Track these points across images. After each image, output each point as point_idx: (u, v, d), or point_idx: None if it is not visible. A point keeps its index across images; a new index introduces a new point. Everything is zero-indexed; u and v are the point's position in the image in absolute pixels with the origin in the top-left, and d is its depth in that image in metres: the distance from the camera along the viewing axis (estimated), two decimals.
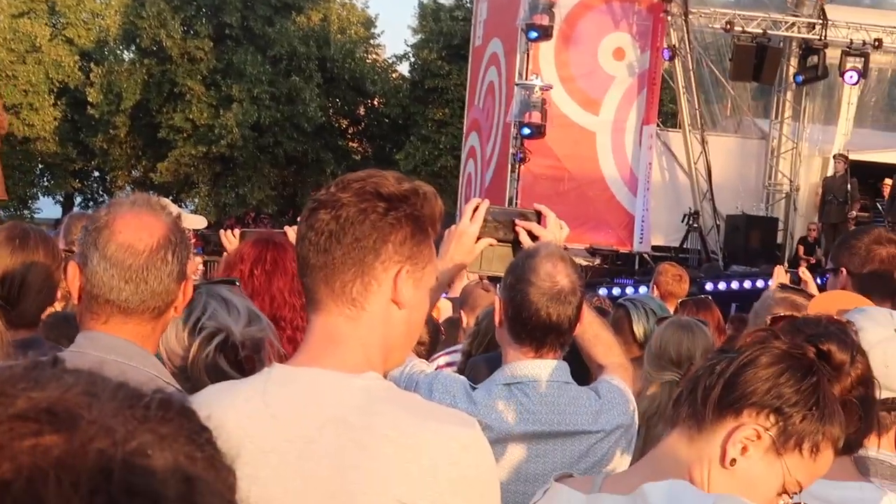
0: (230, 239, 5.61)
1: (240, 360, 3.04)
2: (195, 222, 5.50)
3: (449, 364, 5.73)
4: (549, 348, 3.54)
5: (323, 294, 2.30)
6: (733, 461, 2.22)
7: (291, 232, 4.13)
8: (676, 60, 25.75)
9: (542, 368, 3.52)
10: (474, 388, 3.55)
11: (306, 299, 2.35)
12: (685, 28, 25.36)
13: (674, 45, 25.50)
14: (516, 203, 24.44)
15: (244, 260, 4.05)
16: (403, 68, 49.48)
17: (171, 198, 49.56)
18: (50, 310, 4.34)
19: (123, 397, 0.93)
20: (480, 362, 4.50)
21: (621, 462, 3.60)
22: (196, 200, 46.06)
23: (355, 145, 50.62)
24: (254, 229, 4.62)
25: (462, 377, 3.65)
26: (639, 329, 5.85)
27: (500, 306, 3.58)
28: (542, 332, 3.50)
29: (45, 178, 52.19)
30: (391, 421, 2.17)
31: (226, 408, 2.17)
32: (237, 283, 3.42)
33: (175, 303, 2.77)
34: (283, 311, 3.91)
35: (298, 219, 2.39)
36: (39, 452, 0.85)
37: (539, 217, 3.73)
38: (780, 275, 6.06)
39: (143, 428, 0.90)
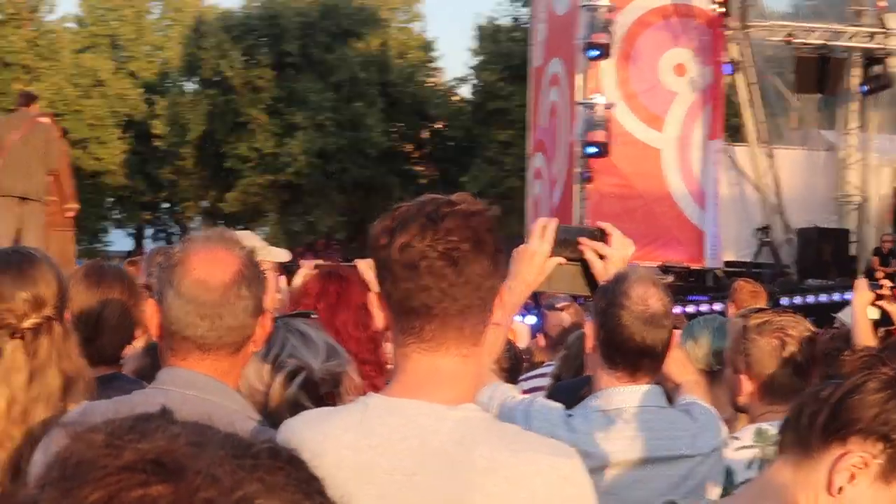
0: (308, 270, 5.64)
1: (321, 396, 3.03)
2: (280, 255, 5.53)
3: (536, 389, 5.70)
4: (644, 373, 3.53)
5: (437, 333, 2.28)
6: (840, 489, 2.17)
7: (363, 264, 4.12)
8: (738, 74, 25.61)
9: (638, 393, 3.52)
10: (570, 416, 3.53)
11: (406, 333, 2.32)
12: (745, 41, 25.23)
13: (735, 59, 25.37)
14: (584, 223, 24.35)
15: (309, 294, 4.06)
16: (465, 91, 49.64)
17: (241, 227, 50.14)
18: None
19: (231, 447, 0.92)
20: (571, 387, 4.48)
21: (715, 487, 3.57)
22: (266, 229, 46.39)
23: (421, 169, 50.75)
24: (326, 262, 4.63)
25: (558, 405, 3.63)
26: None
27: (591, 331, 3.57)
28: (636, 356, 3.50)
29: (115, 211, 52.82)
30: (491, 453, 2.18)
31: (322, 437, 2.18)
32: (314, 316, 3.41)
33: (253, 337, 2.77)
34: (349, 344, 3.90)
35: (397, 255, 2.33)
36: (147, 503, 0.86)
37: (604, 235, 3.72)
38: (863, 287, 5.98)
39: (251, 477, 0.90)
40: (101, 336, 4.04)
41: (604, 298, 3.54)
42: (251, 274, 2.74)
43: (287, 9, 44.76)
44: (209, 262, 2.70)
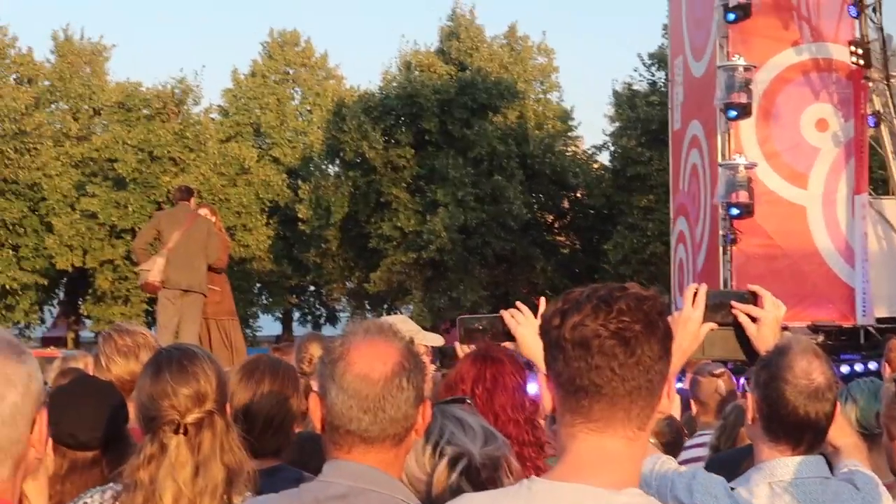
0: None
1: (482, 482, 3.05)
2: (433, 340, 5.59)
3: (694, 459, 5.64)
4: (807, 445, 3.50)
5: (605, 413, 2.30)
6: None
7: (506, 314, 4.11)
8: (882, 126, 25.14)
9: (802, 465, 3.49)
10: (733, 489, 3.51)
11: (574, 413, 2.34)
12: (888, 93, 24.78)
13: (878, 111, 24.92)
14: (731, 285, 24.08)
15: (464, 379, 4.08)
16: (604, 158, 49.56)
17: (385, 306, 50.56)
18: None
19: None
20: (730, 458, 4.45)
21: None
22: (411, 307, 46.65)
23: (563, 239, 50.68)
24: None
25: (720, 477, 3.60)
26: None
27: (752, 403, 3.55)
28: (799, 430, 3.48)
29: (263, 297, 53.63)
30: None
31: None
32: (469, 402, 3.44)
33: (415, 427, 2.81)
34: (508, 427, 3.92)
35: (569, 334, 2.35)
36: None
37: (755, 297, 3.71)
38: None
39: None
40: (263, 428, 4.12)
41: (765, 371, 3.52)
42: (411, 364, 2.79)
43: (424, 87, 45.28)
44: (369, 356, 2.75)
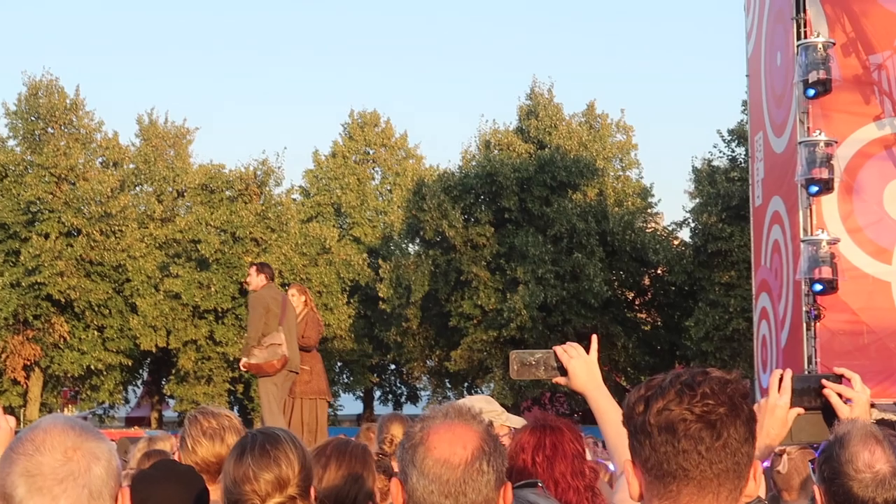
0: None
1: None
2: (516, 422, 5.59)
3: None
4: None
5: (693, 498, 2.30)
6: None
7: (559, 349, 4.10)
8: None
9: None
10: None
11: (662, 497, 2.34)
12: None
13: None
14: (816, 362, 23.79)
15: (525, 449, 4.08)
16: (684, 234, 49.35)
17: (466, 384, 50.48)
18: None
19: None
20: None
21: None
22: (491, 385, 46.54)
23: (643, 316, 50.41)
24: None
25: None
26: None
27: (820, 497, 3.52)
28: None
29: (344, 375, 53.76)
30: None
31: None
32: (540, 485, 3.44)
33: None
34: (568, 495, 3.93)
35: (654, 419, 2.35)
36: None
37: (841, 381, 3.68)
38: None
39: None
40: None
41: (828, 466, 3.48)
42: (491, 448, 2.79)
43: (504, 166, 45.47)
44: (449, 440, 2.76)
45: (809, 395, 3.65)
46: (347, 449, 4.34)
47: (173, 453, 10.69)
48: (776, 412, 3.59)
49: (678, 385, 2.34)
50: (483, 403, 5.23)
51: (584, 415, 42.12)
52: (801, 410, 3.63)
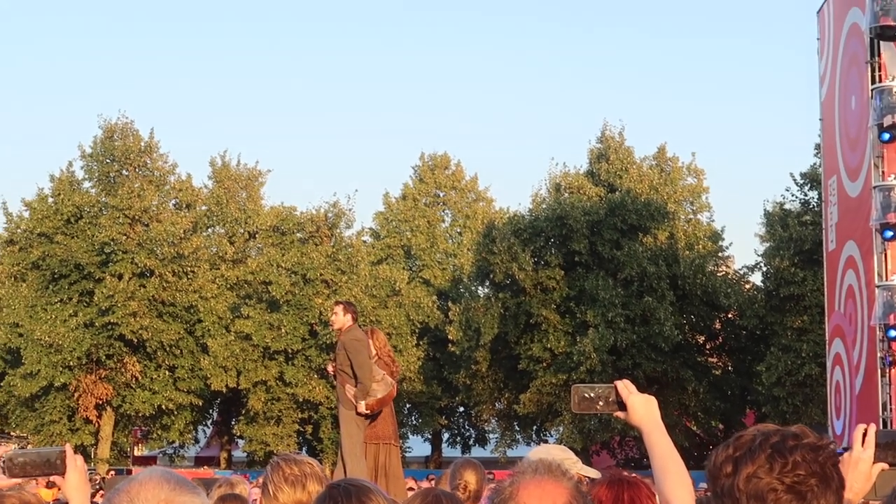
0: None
1: None
2: (591, 472, 5.56)
3: None
4: None
5: None
6: None
7: (620, 385, 4.11)
8: None
9: None
10: None
11: None
12: None
13: None
14: (890, 409, 23.52)
15: (603, 502, 4.06)
16: (756, 278, 48.95)
17: (534, 428, 50.24)
18: None
19: None
20: None
21: None
22: (560, 429, 46.31)
23: (714, 360, 49.99)
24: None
25: None
26: None
27: None
28: None
29: (413, 417, 53.71)
30: None
31: None
32: None
33: None
34: None
35: (743, 485, 2.33)
36: None
37: None
38: None
39: None
40: None
41: None
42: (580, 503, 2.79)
43: (574, 209, 45.40)
44: (539, 497, 2.76)
45: (893, 450, 3.61)
46: (441, 501, 4.35)
47: (250, 499, 10.72)
48: (860, 466, 3.55)
49: (768, 449, 2.31)
50: (558, 452, 5.21)
51: None
52: (885, 466, 3.59)
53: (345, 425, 12.67)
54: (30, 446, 48.11)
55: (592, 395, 4.08)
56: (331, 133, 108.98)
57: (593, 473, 5.68)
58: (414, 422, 54.00)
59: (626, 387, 4.04)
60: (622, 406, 4.03)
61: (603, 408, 4.09)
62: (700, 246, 48.85)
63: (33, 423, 49.89)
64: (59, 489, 4.10)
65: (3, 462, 4.21)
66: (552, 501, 2.74)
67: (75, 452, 4.08)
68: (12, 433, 51.91)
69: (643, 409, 3.94)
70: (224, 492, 7.35)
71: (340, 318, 12.86)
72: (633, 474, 4.27)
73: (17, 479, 4.08)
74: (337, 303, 13.55)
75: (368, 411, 12.54)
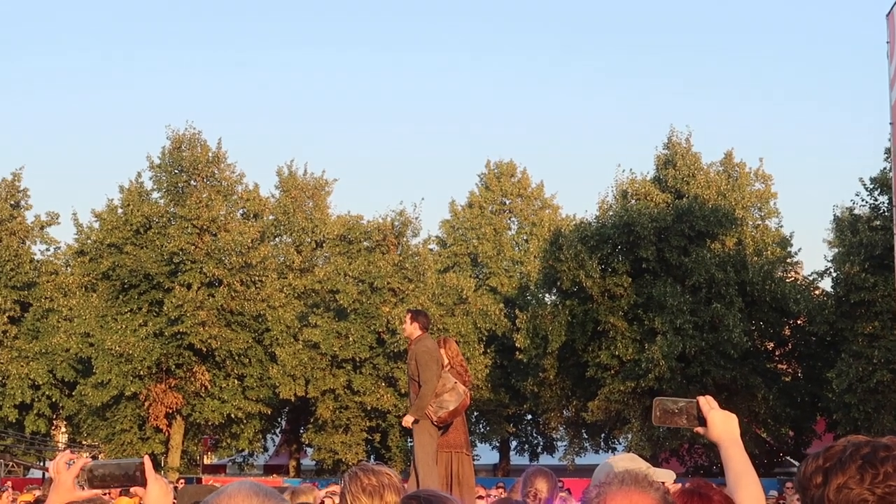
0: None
1: None
2: (665, 476, 5.54)
3: None
4: None
5: None
6: None
7: (703, 401, 4.11)
8: None
9: None
10: None
11: None
12: None
13: None
14: None
15: None
16: (825, 284, 48.44)
17: (602, 435, 50.07)
18: None
19: None
20: None
21: None
22: (629, 436, 46.10)
23: (784, 367, 49.56)
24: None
25: None
26: None
27: None
28: None
29: (481, 425, 53.70)
30: None
31: None
32: None
33: None
34: None
35: (833, 496, 2.30)
36: None
37: None
38: None
39: None
40: None
41: None
42: None
43: (641, 216, 45.19)
44: None
45: None
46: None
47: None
48: None
49: (859, 460, 2.28)
50: (628, 462, 5.20)
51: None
52: None
53: (417, 435, 12.60)
54: (101, 456, 48.69)
55: (675, 409, 4.09)
56: (397, 142, 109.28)
57: (665, 475, 5.65)
58: (482, 430, 54.00)
59: (707, 402, 4.04)
60: (703, 421, 4.04)
61: (685, 422, 4.10)
62: (768, 252, 48.46)
63: (104, 432, 50.43)
64: (140, 499, 4.15)
65: (84, 473, 4.26)
66: None
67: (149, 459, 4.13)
68: (84, 442, 52.57)
69: (723, 426, 3.96)
70: (292, 500, 7.40)
71: (408, 328, 12.85)
72: (708, 484, 4.24)
73: (96, 490, 4.14)
74: (407, 311, 13.55)
75: (439, 423, 12.48)
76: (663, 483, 5.51)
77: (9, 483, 35.07)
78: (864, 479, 2.24)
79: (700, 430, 4.08)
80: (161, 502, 4.19)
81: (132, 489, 4.34)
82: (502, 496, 18.68)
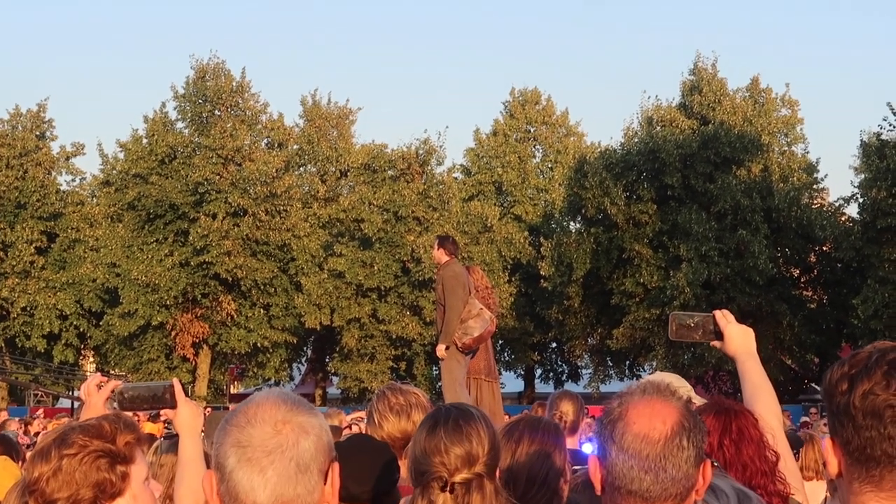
0: None
1: None
2: (697, 401, 5.54)
3: None
4: None
5: (895, 484, 2.24)
6: None
7: (720, 315, 4.13)
8: None
9: None
10: None
11: (864, 481, 2.28)
12: None
13: None
14: None
15: (710, 432, 4.04)
16: (852, 210, 48.20)
17: (627, 363, 50.18)
18: None
19: None
20: None
21: None
22: (654, 364, 46.21)
23: (809, 294, 49.48)
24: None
25: None
26: None
27: None
28: None
29: (505, 354, 53.91)
30: None
31: None
32: (716, 464, 3.40)
33: (696, 487, 2.78)
34: (757, 478, 3.89)
35: (859, 402, 2.28)
36: None
37: None
38: None
39: None
40: (526, 487, 4.12)
41: None
42: (691, 424, 2.77)
43: (666, 142, 45.02)
44: (648, 416, 2.74)
45: None
46: (539, 426, 4.34)
47: (343, 428, 10.84)
48: None
49: (885, 366, 2.26)
50: (673, 380, 5.20)
51: None
52: None
53: (444, 361, 12.63)
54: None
55: (691, 323, 4.10)
56: (421, 70, 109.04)
57: (699, 401, 5.65)
58: (507, 358, 54.20)
59: (724, 316, 4.05)
60: (719, 335, 4.05)
61: (701, 336, 4.12)
62: (794, 178, 48.26)
63: (132, 361, 50.87)
64: (165, 422, 4.18)
65: (114, 395, 4.30)
66: (662, 420, 2.72)
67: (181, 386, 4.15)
68: (111, 371, 53.00)
69: (740, 339, 3.99)
70: None
71: (436, 254, 12.86)
72: (738, 403, 4.24)
73: (127, 412, 4.16)
74: (435, 237, 13.54)
75: (464, 350, 12.46)
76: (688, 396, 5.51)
77: (40, 411, 35.45)
78: (889, 384, 2.22)
79: (717, 343, 4.12)
80: (191, 424, 4.22)
81: (163, 412, 4.37)
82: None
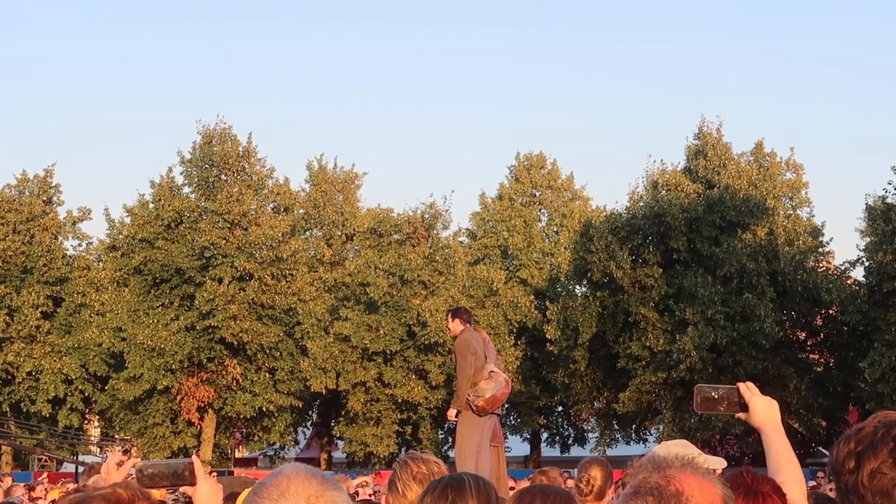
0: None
1: None
2: (716, 463, 5.54)
3: None
4: None
5: None
6: None
7: (744, 387, 4.13)
8: None
9: None
10: None
11: None
12: None
13: None
14: None
15: None
16: (858, 273, 48.15)
17: (633, 426, 49.99)
18: None
19: None
20: None
21: None
22: (660, 427, 46.03)
23: (816, 357, 49.36)
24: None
25: None
26: None
27: None
28: None
29: (511, 417, 53.73)
30: None
31: None
32: None
33: None
34: None
35: (867, 481, 2.30)
36: None
37: None
38: None
39: None
40: None
41: None
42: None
43: (672, 206, 45.11)
44: (699, 489, 2.72)
45: None
46: (551, 492, 4.35)
47: (350, 494, 10.81)
48: None
49: (891, 443, 2.27)
50: (679, 448, 5.21)
51: (755, 457, 41.42)
52: None
53: (458, 426, 12.64)
54: (134, 450, 48.99)
55: (715, 395, 4.11)
56: (426, 135, 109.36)
57: (717, 462, 5.64)
58: (513, 422, 54.02)
59: (748, 388, 4.07)
60: (744, 407, 4.06)
61: (726, 409, 4.12)
62: (800, 241, 48.26)
63: (137, 425, 50.71)
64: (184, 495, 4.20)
65: (135, 473, 4.32)
66: (711, 499, 2.70)
67: (180, 454, 4.16)
68: (116, 436, 52.87)
69: (765, 411, 4.00)
70: None
71: (451, 326, 12.98)
72: (761, 477, 4.21)
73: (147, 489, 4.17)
74: (447, 311, 13.74)
75: (480, 413, 12.43)
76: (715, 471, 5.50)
77: (44, 476, 35.31)
78: None
79: (742, 415, 4.12)
80: (210, 501, 4.23)
81: (181, 488, 4.39)
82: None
